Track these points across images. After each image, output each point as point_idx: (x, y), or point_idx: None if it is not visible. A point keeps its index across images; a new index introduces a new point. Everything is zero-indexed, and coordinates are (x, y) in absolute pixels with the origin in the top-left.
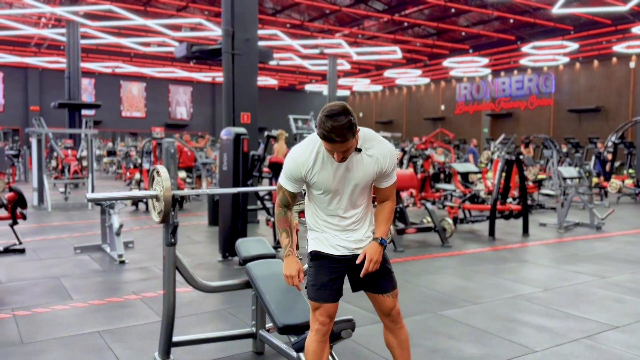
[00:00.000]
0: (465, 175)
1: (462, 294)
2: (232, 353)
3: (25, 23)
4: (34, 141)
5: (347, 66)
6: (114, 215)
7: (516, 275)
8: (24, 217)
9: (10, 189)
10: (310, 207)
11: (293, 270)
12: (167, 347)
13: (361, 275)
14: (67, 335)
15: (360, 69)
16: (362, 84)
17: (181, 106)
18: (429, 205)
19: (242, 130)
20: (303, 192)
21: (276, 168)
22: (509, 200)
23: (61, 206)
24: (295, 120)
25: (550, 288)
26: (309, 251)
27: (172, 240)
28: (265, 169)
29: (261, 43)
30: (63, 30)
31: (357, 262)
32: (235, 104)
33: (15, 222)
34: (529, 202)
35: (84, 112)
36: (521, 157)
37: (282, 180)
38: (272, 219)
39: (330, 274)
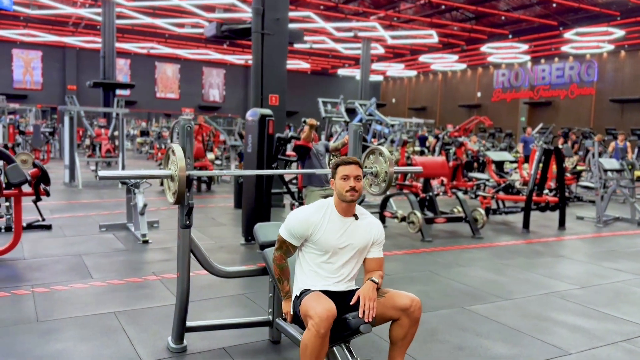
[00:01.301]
0: (500, 165)
1: (492, 289)
2: (248, 341)
3: (62, 2)
4: (66, 119)
5: (381, 50)
6: (139, 195)
7: (551, 270)
8: (47, 193)
9: (34, 165)
10: (301, 268)
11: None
12: (180, 332)
13: (359, 315)
14: (83, 314)
15: (395, 54)
16: (396, 69)
17: (214, 88)
18: (460, 194)
19: (267, 111)
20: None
21: (301, 151)
22: (546, 191)
23: (92, 184)
24: (325, 103)
25: (587, 285)
26: (298, 293)
27: (187, 222)
28: (291, 153)
29: (294, 25)
30: (99, 10)
31: (352, 303)
32: (263, 86)
33: (38, 199)
34: (567, 194)
35: (119, 92)
36: (560, 146)
37: (286, 235)
38: (296, 203)
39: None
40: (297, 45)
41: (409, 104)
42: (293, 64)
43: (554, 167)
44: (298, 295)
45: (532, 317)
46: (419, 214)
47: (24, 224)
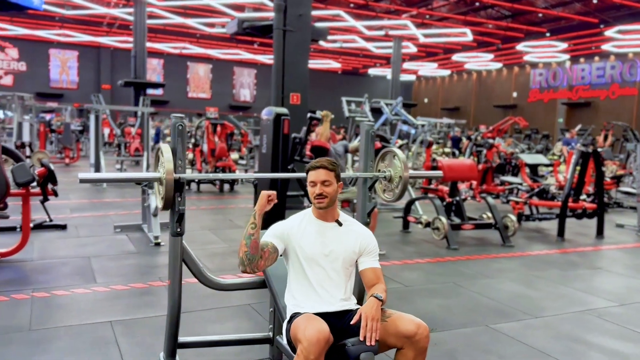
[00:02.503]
0: (534, 168)
1: (521, 304)
2: (247, 358)
3: (96, 2)
4: (91, 117)
5: (413, 49)
6: (152, 195)
7: (587, 284)
8: (55, 193)
9: (41, 164)
10: (289, 290)
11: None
12: (172, 348)
13: (360, 338)
14: (78, 323)
15: (427, 52)
16: (428, 68)
17: (245, 88)
18: (489, 199)
19: (283, 110)
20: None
21: (318, 152)
22: (583, 197)
23: (117, 183)
24: (349, 102)
25: (627, 303)
26: (288, 317)
27: (178, 229)
28: (308, 153)
29: (323, 24)
30: (131, 10)
31: (352, 322)
32: (284, 84)
33: (45, 199)
34: (606, 200)
35: (152, 91)
36: (599, 149)
37: (266, 233)
38: None
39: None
40: (327, 45)
41: (442, 104)
42: (323, 63)
43: (592, 172)
44: (289, 319)
45: (564, 339)
46: (444, 219)
47: (34, 224)
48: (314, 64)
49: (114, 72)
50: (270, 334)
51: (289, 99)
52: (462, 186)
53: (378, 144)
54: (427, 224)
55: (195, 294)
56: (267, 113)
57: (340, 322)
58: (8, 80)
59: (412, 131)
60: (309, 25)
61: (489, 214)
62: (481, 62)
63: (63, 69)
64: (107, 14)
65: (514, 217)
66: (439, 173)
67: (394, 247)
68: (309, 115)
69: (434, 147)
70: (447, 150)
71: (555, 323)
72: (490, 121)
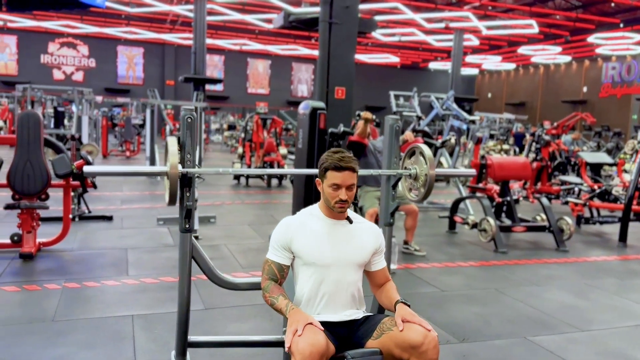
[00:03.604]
0: (596, 167)
1: (567, 315)
2: None
3: (160, 0)
4: (147, 112)
5: (475, 42)
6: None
7: None
8: (94, 185)
9: (81, 157)
10: (295, 291)
11: (306, 319)
12: (182, 347)
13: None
14: (100, 316)
15: (491, 45)
16: (492, 62)
17: (302, 84)
18: (544, 199)
19: (319, 104)
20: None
21: (356, 148)
22: None
23: None
24: (397, 97)
25: None
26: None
27: (187, 226)
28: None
29: (380, 17)
30: (192, 7)
31: (400, 329)
32: (329, 78)
33: (85, 191)
34: None
35: (213, 87)
36: None
37: (269, 252)
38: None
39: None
40: (384, 38)
41: (507, 99)
42: (382, 57)
43: None
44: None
45: (610, 355)
46: (492, 220)
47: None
48: (372, 58)
49: (177, 68)
50: (283, 336)
51: (333, 93)
52: (515, 185)
53: (420, 140)
54: (474, 225)
55: (218, 290)
56: (304, 107)
57: (346, 331)
58: (79, 76)
59: (464, 127)
60: (356, 18)
61: (543, 216)
62: (549, 55)
63: (130, 65)
64: (170, 11)
65: (569, 220)
66: (470, 171)
67: (437, 248)
68: (357, 112)
69: (492, 143)
70: (506, 147)
71: (602, 338)
72: (558, 117)
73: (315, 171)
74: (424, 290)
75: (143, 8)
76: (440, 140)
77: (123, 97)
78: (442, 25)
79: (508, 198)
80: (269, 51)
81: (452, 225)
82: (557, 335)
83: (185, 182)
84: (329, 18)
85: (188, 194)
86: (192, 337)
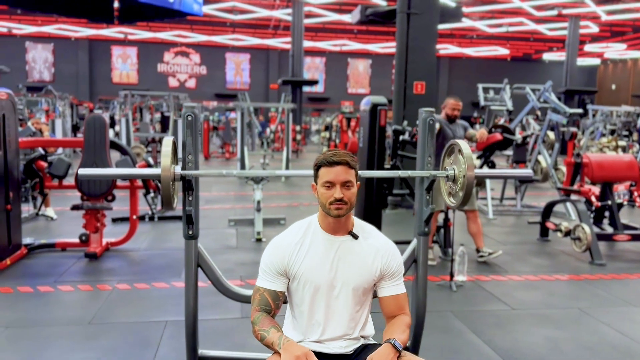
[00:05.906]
0: None
1: None
2: None
3: (260, 5)
4: (237, 114)
5: (594, 29)
6: (257, 190)
7: None
8: (157, 188)
9: (143, 159)
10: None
11: (304, 352)
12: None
13: None
14: (135, 321)
15: (613, 32)
16: (615, 50)
17: None
18: None
19: (380, 99)
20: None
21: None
22: None
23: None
24: (486, 90)
25: None
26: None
27: (190, 232)
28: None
29: (485, 7)
30: (290, 10)
31: None
32: (407, 72)
33: (147, 192)
34: None
35: (313, 89)
36: None
37: (259, 278)
38: None
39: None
40: (491, 30)
41: (634, 90)
42: (489, 50)
43: None
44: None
45: None
46: (587, 228)
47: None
48: (478, 51)
49: (281, 72)
50: None
51: (412, 88)
52: (620, 187)
53: (498, 136)
54: (568, 233)
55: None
56: (365, 103)
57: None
58: (192, 83)
59: (563, 121)
60: (437, 7)
61: None
62: None
63: (237, 71)
64: (271, 16)
65: None
66: (526, 172)
67: (520, 258)
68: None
69: (605, 139)
70: (622, 143)
71: None
72: None
73: (372, 173)
74: (491, 307)
75: (246, 15)
76: (521, 136)
77: (233, 102)
78: (555, 12)
79: (609, 202)
80: (369, 50)
81: (544, 232)
82: None
83: (186, 185)
84: (407, 9)
85: (190, 198)
86: (202, 351)
